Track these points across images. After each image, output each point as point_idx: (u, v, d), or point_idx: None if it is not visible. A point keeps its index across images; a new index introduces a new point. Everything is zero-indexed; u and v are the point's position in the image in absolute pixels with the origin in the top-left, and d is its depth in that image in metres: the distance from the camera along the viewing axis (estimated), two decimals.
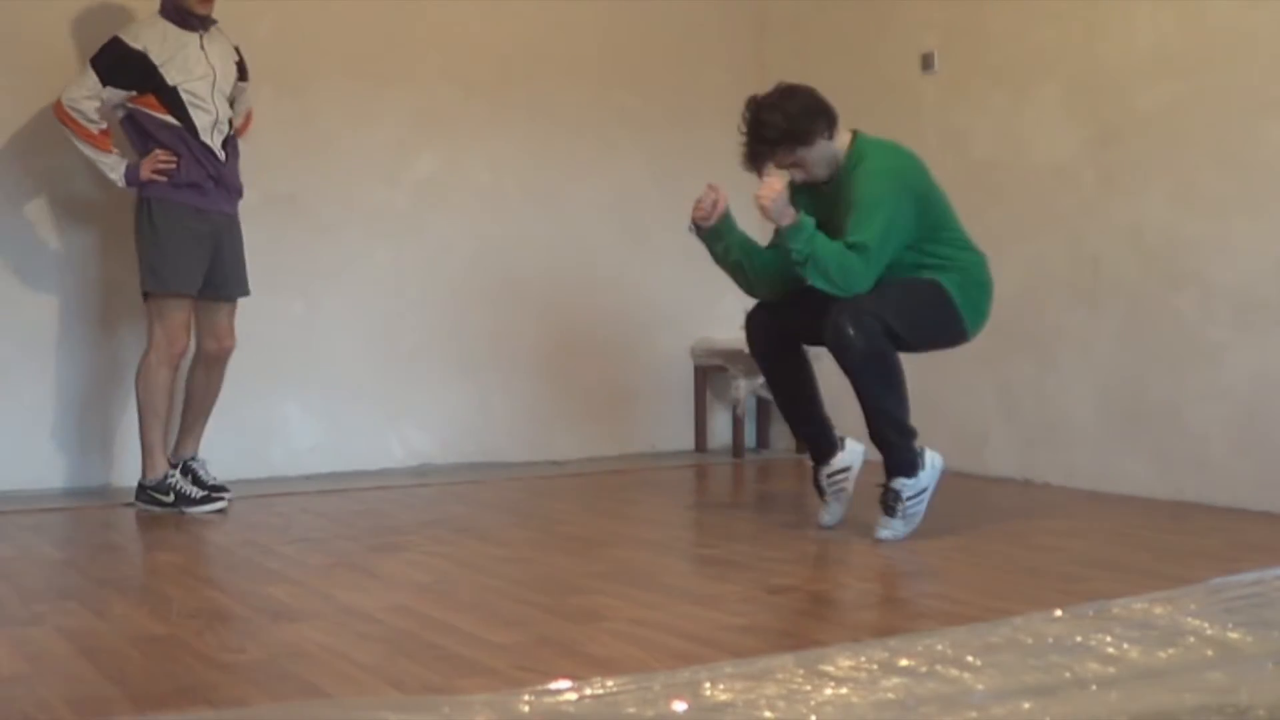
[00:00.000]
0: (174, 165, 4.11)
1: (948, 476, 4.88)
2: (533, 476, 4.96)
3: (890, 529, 3.56)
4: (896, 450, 3.56)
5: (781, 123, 3.54)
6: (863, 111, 5.39)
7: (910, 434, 3.60)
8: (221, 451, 4.71)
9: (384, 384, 5.11)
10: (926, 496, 3.62)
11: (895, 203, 3.51)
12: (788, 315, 3.76)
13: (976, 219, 4.93)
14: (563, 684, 2.09)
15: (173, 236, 4.13)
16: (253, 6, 4.85)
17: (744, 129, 3.63)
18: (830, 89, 5.60)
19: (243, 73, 4.38)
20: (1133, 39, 4.39)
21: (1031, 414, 4.74)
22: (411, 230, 5.17)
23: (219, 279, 4.26)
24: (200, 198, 4.17)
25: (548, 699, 2.01)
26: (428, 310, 5.21)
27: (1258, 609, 2.52)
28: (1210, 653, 2.23)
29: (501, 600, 2.91)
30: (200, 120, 4.15)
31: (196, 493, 4.19)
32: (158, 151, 4.11)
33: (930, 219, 3.62)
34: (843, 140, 3.64)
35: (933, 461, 3.64)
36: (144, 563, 3.42)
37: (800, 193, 3.71)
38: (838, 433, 3.84)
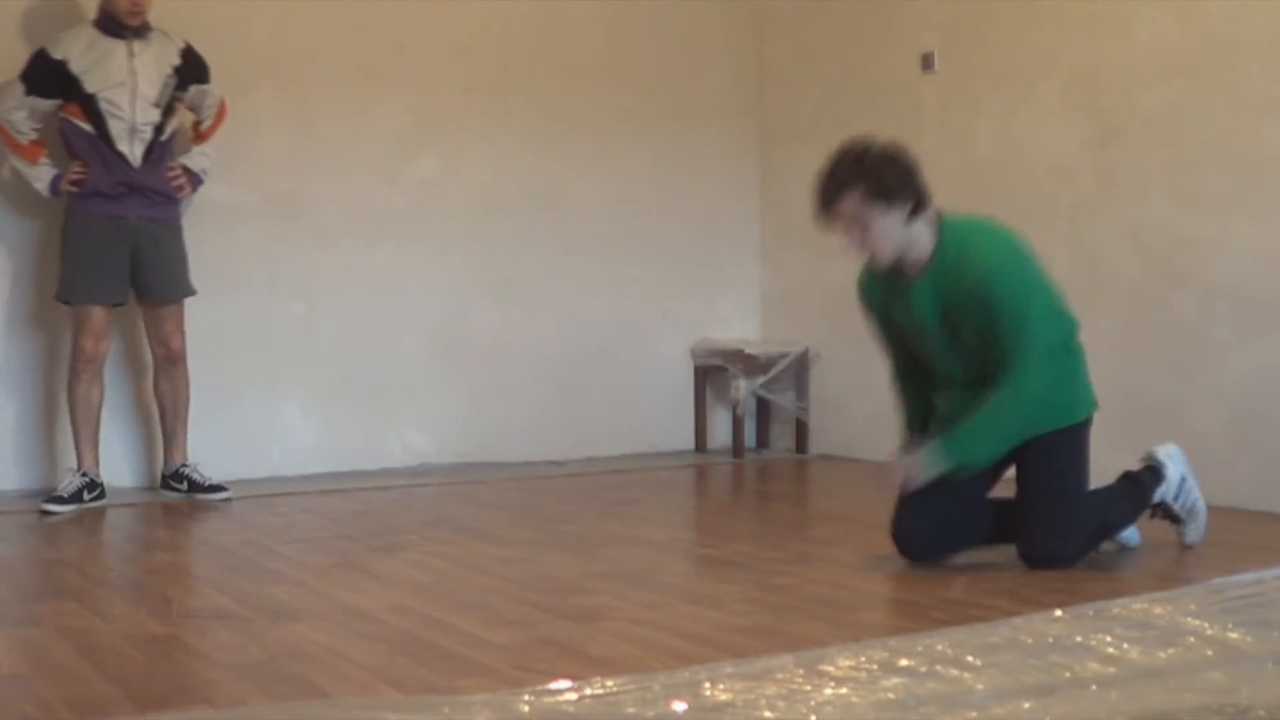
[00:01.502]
0: (84, 175, 4.18)
1: None
2: (533, 476, 4.96)
3: (1186, 533, 3.45)
4: (1140, 507, 3.41)
5: (866, 166, 3.11)
6: (863, 111, 5.41)
7: (1141, 495, 3.38)
8: (221, 451, 4.72)
9: (384, 384, 5.11)
10: (1187, 483, 3.41)
11: (1036, 301, 3.19)
12: (940, 524, 3.29)
13: None
14: (563, 684, 2.09)
15: (83, 246, 4.21)
16: (253, 6, 4.86)
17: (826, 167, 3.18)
18: (830, 89, 5.63)
19: (198, 74, 4.40)
20: (1133, 39, 4.39)
21: None
22: (411, 230, 5.17)
23: (149, 284, 4.30)
24: (112, 205, 4.21)
25: (548, 699, 2.01)
26: (427, 310, 5.21)
27: (1258, 609, 2.52)
28: (1210, 653, 2.23)
29: (501, 600, 2.91)
30: (114, 127, 4.18)
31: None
32: (74, 162, 4.21)
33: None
34: (924, 233, 3.17)
35: (1168, 456, 3.42)
36: (144, 563, 3.42)
37: (874, 287, 3.36)
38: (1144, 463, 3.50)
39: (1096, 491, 3.36)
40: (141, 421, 4.68)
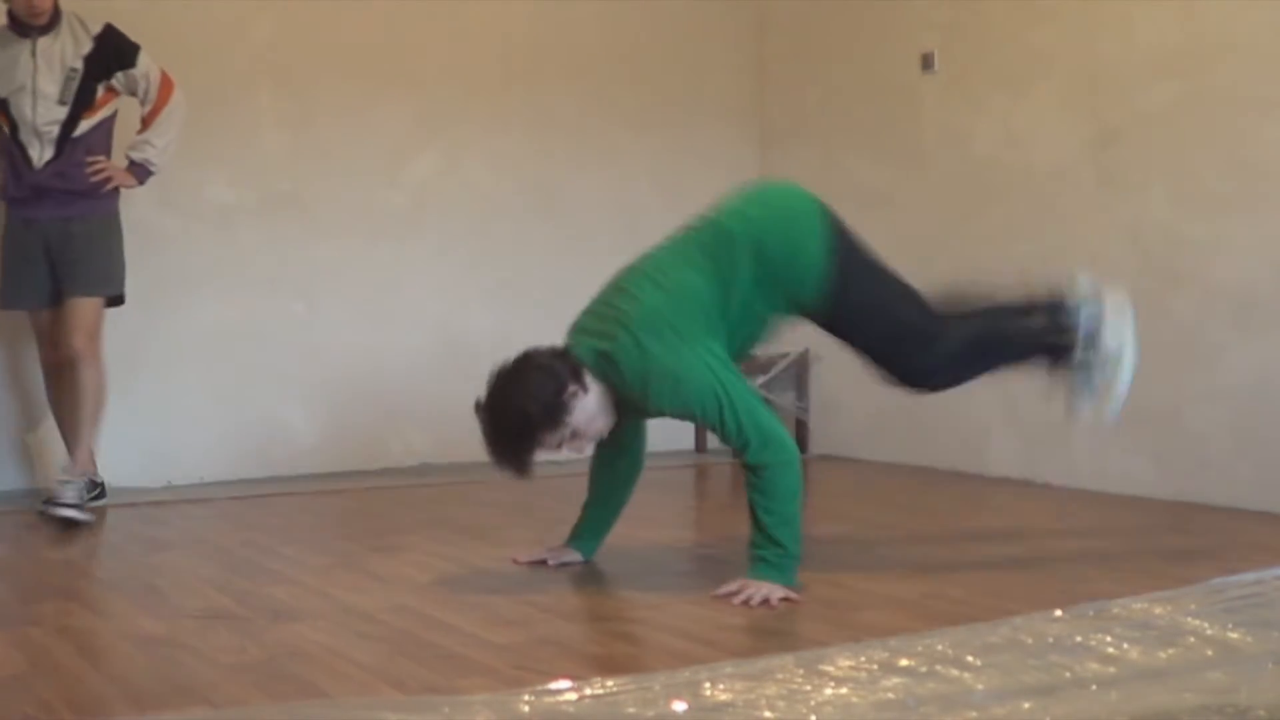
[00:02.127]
0: (3, 179, 4.15)
1: (948, 476, 4.92)
2: (532, 476, 4.94)
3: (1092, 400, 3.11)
4: (1051, 348, 3.09)
5: (520, 415, 2.96)
6: (863, 111, 5.41)
7: (1042, 324, 3.08)
8: (221, 451, 4.72)
9: (384, 384, 5.11)
10: (1110, 326, 3.03)
11: (702, 376, 2.93)
12: None
13: (976, 219, 4.95)
14: (563, 684, 2.09)
15: (6, 252, 4.18)
16: (253, 6, 4.86)
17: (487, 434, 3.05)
18: (830, 89, 5.63)
19: (121, 58, 4.14)
20: (1133, 39, 4.39)
21: (1031, 414, 4.74)
22: (411, 230, 5.17)
23: (60, 283, 4.13)
24: (25, 209, 4.14)
25: (548, 699, 2.01)
26: (427, 310, 5.21)
27: (1258, 609, 2.53)
28: (1210, 653, 2.23)
29: (501, 600, 2.91)
30: (22, 130, 4.08)
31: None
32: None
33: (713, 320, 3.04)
34: (595, 385, 2.99)
35: (1086, 292, 3.06)
36: (144, 563, 3.42)
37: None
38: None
39: (981, 309, 3.15)
40: (141, 420, 4.68)
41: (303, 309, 4.98)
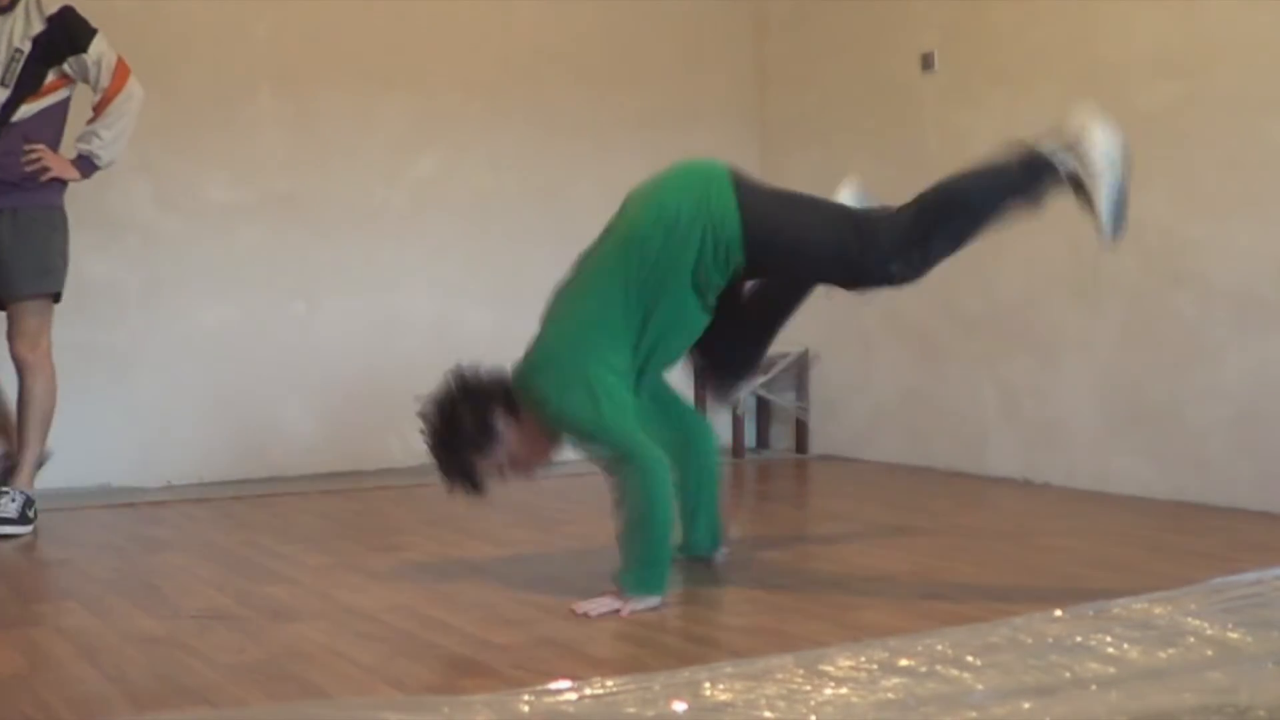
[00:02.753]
0: None
1: (947, 476, 4.92)
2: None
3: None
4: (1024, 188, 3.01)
5: (454, 439, 3.09)
6: (863, 111, 5.41)
7: (1026, 164, 3.01)
8: (221, 451, 4.72)
9: (384, 384, 5.11)
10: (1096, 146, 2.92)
11: (574, 405, 2.95)
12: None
13: None
14: (563, 684, 2.09)
15: None
16: (253, 6, 4.86)
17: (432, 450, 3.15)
18: (830, 89, 5.63)
19: (73, 41, 3.87)
20: (1133, 39, 4.39)
21: (1031, 414, 4.74)
22: (411, 230, 5.17)
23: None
24: None
25: (548, 699, 2.01)
26: (427, 310, 5.20)
27: (1258, 609, 2.52)
28: (1210, 653, 2.23)
29: (501, 600, 2.91)
30: None
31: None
32: None
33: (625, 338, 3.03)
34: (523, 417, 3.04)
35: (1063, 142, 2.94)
36: (144, 563, 3.42)
37: None
38: None
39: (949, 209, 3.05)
40: (141, 420, 4.68)
41: (303, 309, 4.98)
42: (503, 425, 3.00)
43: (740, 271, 3.03)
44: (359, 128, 5.06)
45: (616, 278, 3.06)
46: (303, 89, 4.95)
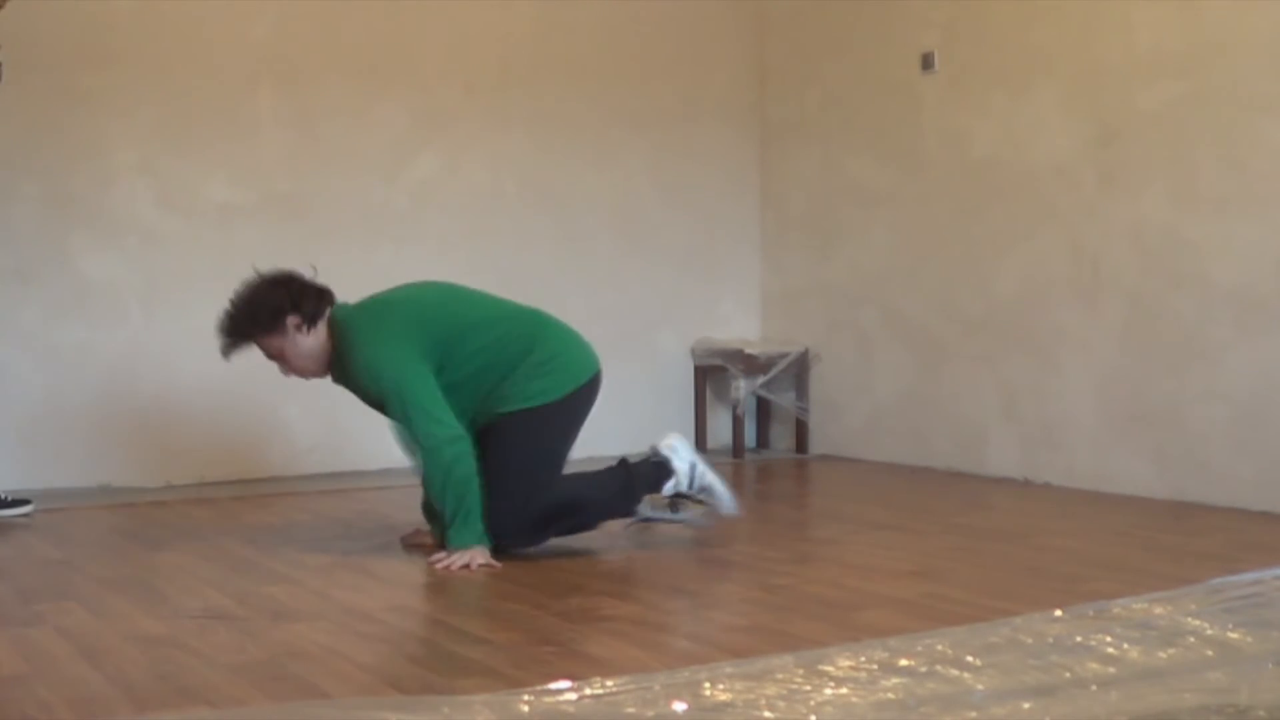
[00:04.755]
0: None
1: (947, 476, 4.91)
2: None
3: (720, 507, 3.57)
4: (631, 497, 3.48)
5: (242, 317, 3.40)
6: (863, 111, 5.41)
7: (633, 485, 3.48)
8: (221, 451, 4.72)
9: None
10: (698, 469, 3.51)
11: (393, 372, 3.30)
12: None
13: (976, 219, 4.95)
14: (563, 684, 2.09)
15: None
16: (253, 5, 4.86)
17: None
18: (830, 89, 5.63)
19: None
20: (1133, 39, 4.39)
21: (1031, 414, 4.74)
22: (411, 230, 5.17)
23: None
24: None
25: (548, 699, 2.01)
26: None
27: (1258, 609, 2.53)
28: (1210, 653, 2.24)
29: (501, 600, 2.91)
30: None
31: None
32: None
33: (447, 332, 3.40)
34: (324, 336, 3.43)
35: (671, 450, 3.52)
36: (144, 563, 3.42)
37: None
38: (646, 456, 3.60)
39: (576, 475, 3.50)
40: (141, 420, 4.68)
41: None
42: (291, 327, 3.35)
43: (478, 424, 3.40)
44: (359, 127, 5.06)
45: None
46: (303, 89, 4.95)
